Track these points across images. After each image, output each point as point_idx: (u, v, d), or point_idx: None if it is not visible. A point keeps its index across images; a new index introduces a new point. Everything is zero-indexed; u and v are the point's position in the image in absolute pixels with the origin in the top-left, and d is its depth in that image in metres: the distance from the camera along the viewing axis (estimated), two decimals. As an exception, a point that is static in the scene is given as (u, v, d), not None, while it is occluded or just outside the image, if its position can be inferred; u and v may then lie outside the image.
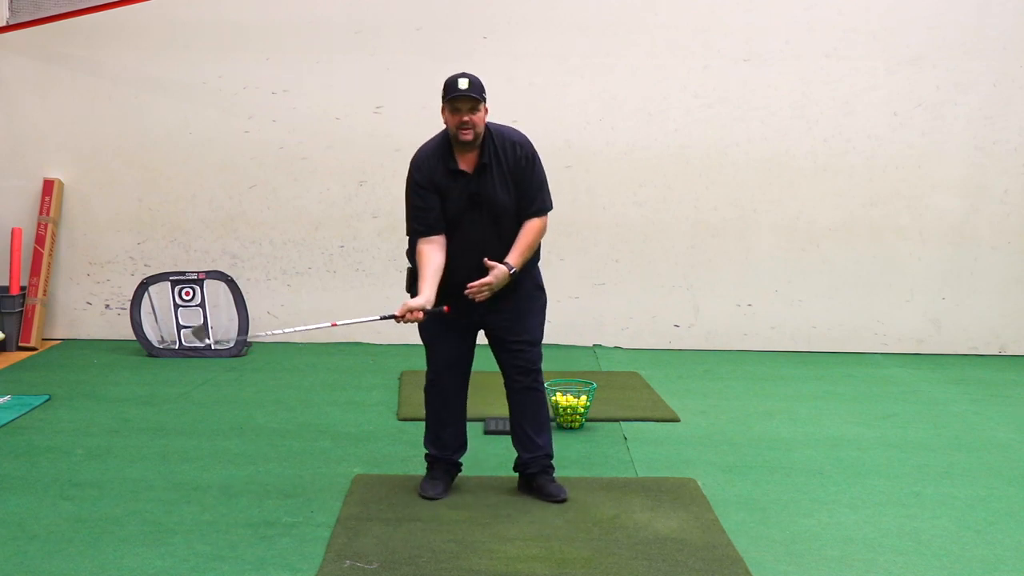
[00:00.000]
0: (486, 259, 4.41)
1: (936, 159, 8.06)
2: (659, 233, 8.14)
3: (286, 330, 4.80)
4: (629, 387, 6.79)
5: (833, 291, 8.18)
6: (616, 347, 8.23)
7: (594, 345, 8.22)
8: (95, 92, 7.98)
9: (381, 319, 4.50)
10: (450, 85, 4.43)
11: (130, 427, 5.76)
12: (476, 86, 4.41)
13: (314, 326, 4.74)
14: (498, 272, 4.39)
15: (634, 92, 8.01)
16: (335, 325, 4.69)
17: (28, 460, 5.12)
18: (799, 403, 6.56)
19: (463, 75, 4.44)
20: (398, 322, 4.37)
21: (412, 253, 4.55)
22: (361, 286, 8.16)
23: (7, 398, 6.21)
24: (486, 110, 4.44)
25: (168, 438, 5.55)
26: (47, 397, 6.29)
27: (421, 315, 4.33)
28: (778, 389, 6.94)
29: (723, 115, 8.03)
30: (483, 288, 4.38)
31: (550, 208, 4.57)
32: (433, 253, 4.41)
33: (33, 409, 6.02)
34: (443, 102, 4.43)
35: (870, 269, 8.16)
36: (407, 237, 4.57)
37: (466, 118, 4.37)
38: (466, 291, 4.38)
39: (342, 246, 8.14)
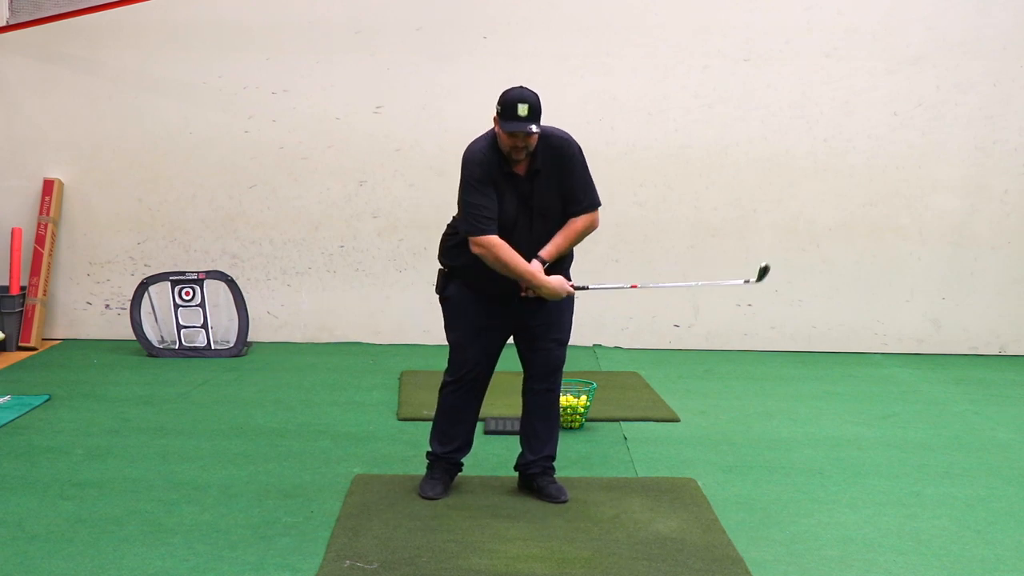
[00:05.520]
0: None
1: (936, 159, 8.06)
2: (659, 233, 8.14)
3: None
4: (629, 387, 6.79)
5: (833, 291, 8.18)
6: (616, 347, 8.22)
7: (594, 345, 8.22)
8: (95, 92, 7.98)
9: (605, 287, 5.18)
10: (509, 108, 4.25)
11: (130, 427, 5.76)
12: (535, 113, 4.25)
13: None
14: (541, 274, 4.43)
15: (634, 92, 8.01)
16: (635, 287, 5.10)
17: (28, 460, 5.12)
18: (799, 403, 6.56)
19: (523, 98, 4.24)
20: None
21: (452, 252, 4.53)
22: (361, 286, 8.16)
23: (7, 398, 6.20)
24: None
25: (168, 438, 5.55)
26: (47, 397, 6.29)
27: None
28: (778, 389, 6.94)
29: (723, 115, 8.02)
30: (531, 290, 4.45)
31: (598, 204, 4.52)
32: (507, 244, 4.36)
33: (33, 409, 6.02)
34: (499, 117, 4.29)
35: (870, 269, 8.16)
36: (460, 236, 4.45)
37: (521, 144, 4.31)
38: (522, 294, 4.44)
39: (342, 246, 8.14)
